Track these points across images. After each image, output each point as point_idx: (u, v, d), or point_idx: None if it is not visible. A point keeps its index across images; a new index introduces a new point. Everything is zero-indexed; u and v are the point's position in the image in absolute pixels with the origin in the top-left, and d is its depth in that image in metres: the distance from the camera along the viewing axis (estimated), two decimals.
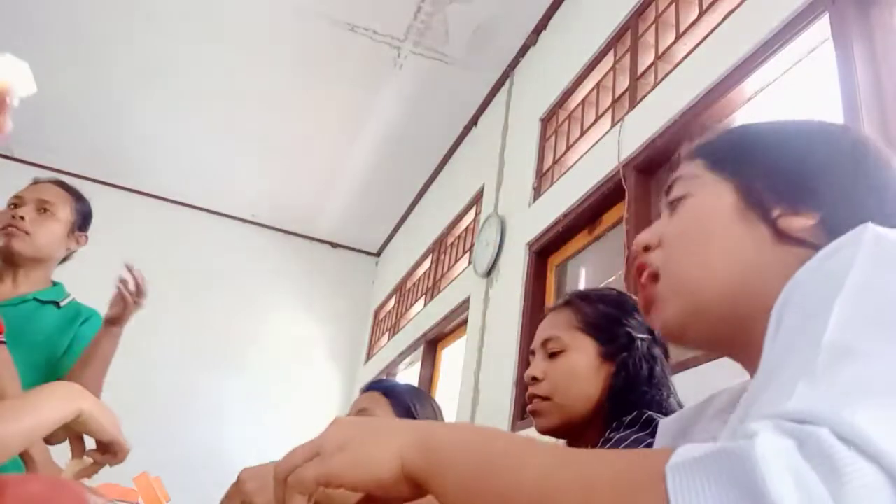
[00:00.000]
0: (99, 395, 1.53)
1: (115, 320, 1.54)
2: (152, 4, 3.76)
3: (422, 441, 0.48)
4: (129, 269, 1.56)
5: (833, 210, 0.56)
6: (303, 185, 5.32)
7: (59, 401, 0.86)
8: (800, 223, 0.56)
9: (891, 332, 0.35)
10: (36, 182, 1.66)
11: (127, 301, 1.55)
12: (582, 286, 2.77)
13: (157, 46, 4.06)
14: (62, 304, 1.62)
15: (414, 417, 1.33)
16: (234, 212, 5.79)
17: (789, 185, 0.58)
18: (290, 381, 5.51)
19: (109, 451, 0.94)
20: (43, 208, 1.58)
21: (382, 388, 1.37)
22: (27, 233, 1.54)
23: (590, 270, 2.76)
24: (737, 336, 0.58)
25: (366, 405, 1.32)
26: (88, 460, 0.94)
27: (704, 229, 0.60)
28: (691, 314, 0.59)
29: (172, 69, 4.22)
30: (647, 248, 0.65)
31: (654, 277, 0.63)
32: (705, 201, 0.62)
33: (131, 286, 1.54)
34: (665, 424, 0.70)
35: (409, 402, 1.33)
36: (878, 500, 0.27)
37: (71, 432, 0.91)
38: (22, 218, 1.54)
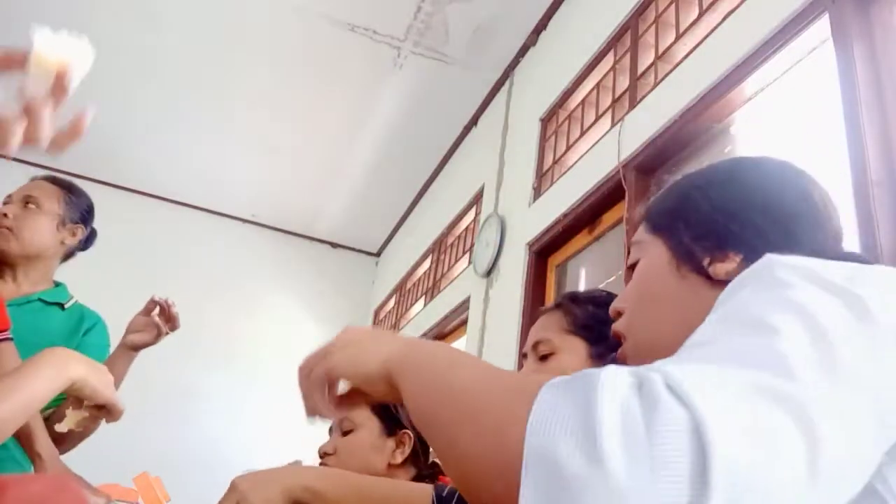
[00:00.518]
0: None
1: (138, 347, 1.53)
2: (152, 4, 3.76)
3: (403, 350, 0.57)
4: (163, 302, 1.55)
5: (752, 247, 0.63)
6: (303, 185, 5.32)
7: (51, 370, 0.88)
8: (727, 267, 0.63)
9: (726, 327, 0.43)
10: (32, 181, 1.66)
11: (160, 332, 1.53)
12: (582, 286, 2.77)
13: (157, 46, 4.06)
14: (66, 306, 1.62)
15: (393, 415, 1.35)
16: (234, 212, 5.79)
17: (711, 233, 0.66)
18: (290, 380, 5.46)
19: (104, 410, 0.97)
20: (27, 203, 1.57)
21: None
22: (9, 229, 1.53)
23: (590, 270, 2.76)
24: None
25: (345, 414, 1.34)
26: (85, 413, 0.96)
27: (651, 291, 0.68)
28: None
29: (172, 69, 4.22)
30: (619, 314, 0.72)
31: (622, 338, 0.71)
32: (649, 264, 0.69)
33: (167, 317, 1.54)
34: None
35: (392, 406, 1.36)
36: (676, 429, 0.34)
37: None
38: (5, 215, 1.53)
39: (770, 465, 0.34)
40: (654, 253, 0.69)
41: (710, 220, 0.66)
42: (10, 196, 1.58)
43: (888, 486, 0.42)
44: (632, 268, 0.72)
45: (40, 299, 1.57)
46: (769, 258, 0.50)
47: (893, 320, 0.43)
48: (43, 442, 1.31)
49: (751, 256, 0.60)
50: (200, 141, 4.89)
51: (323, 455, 1.35)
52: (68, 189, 1.65)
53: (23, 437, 1.30)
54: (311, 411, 0.67)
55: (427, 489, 0.99)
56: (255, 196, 5.54)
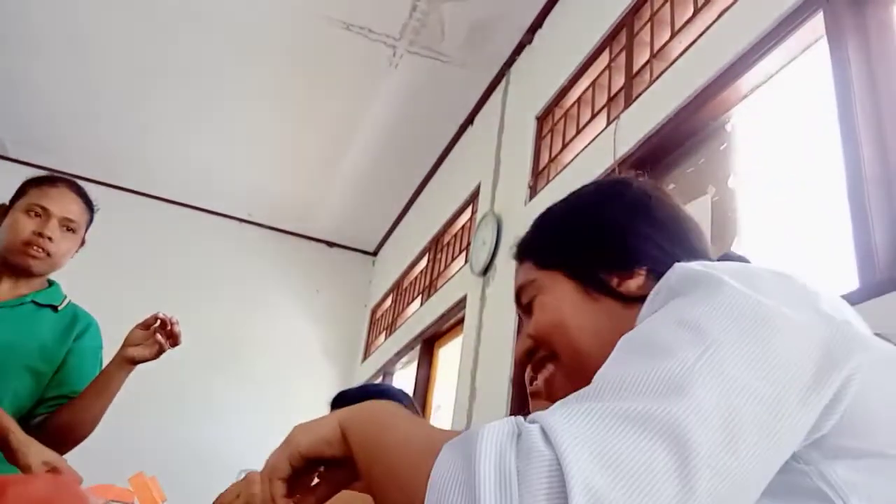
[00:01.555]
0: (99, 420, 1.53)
1: (137, 361, 1.52)
2: (150, 4, 3.75)
3: (354, 410, 0.61)
4: (167, 319, 1.54)
5: (653, 258, 0.65)
6: (299, 185, 5.31)
7: None
8: (635, 283, 0.65)
9: (620, 355, 0.46)
10: (54, 184, 1.58)
11: (162, 348, 1.52)
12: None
13: (154, 46, 4.05)
14: (60, 307, 1.60)
15: None
16: (231, 211, 5.78)
17: (610, 253, 0.67)
18: (286, 380, 5.51)
19: None
20: (67, 227, 1.54)
21: (347, 400, 1.40)
22: (49, 254, 1.51)
23: None
24: None
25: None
26: None
27: (561, 319, 0.67)
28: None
29: (169, 68, 4.21)
30: (530, 352, 0.71)
31: (552, 360, 0.69)
32: (551, 296, 0.69)
33: (168, 333, 1.52)
34: None
35: None
36: (541, 467, 0.37)
37: None
38: (50, 239, 1.50)
39: (633, 485, 0.36)
40: (555, 286, 0.69)
41: (604, 240, 0.67)
42: (45, 210, 1.51)
43: (830, 484, 0.43)
44: (527, 308, 0.72)
45: (34, 301, 1.55)
46: (678, 270, 0.51)
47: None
48: (12, 428, 1.27)
49: (655, 267, 0.63)
50: (196, 140, 4.88)
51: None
52: (91, 208, 1.63)
53: (8, 454, 1.27)
54: None
55: None
56: (251, 195, 5.53)
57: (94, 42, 4.05)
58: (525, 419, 0.42)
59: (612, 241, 0.67)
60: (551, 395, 0.69)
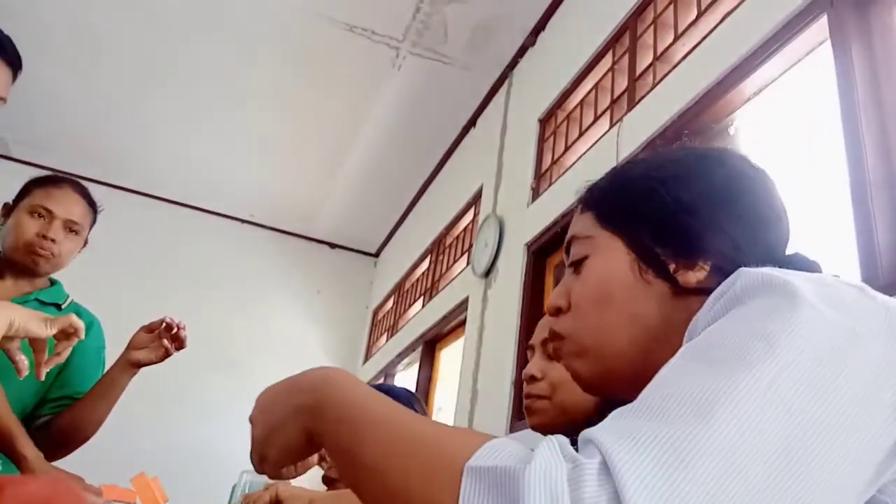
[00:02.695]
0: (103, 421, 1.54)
1: (142, 364, 1.53)
2: (152, 4, 3.76)
3: (319, 399, 0.55)
4: (174, 324, 1.54)
5: (722, 254, 0.59)
6: (301, 186, 5.32)
7: None
8: (696, 276, 0.59)
9: (688, 366, 0.42)
10: (58, 185, 1.58)
11: (168, 352, 1.53)
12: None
13: (156, 46, 4.05)
14: (63, 306, 1.61)
15: None
16: (233, 212, 5.78)
17: (678, 238, 0.60)
18: None
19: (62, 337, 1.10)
20: (70, 229, 1.55)
21: None
22: (54, 255, 1.51)
23: None
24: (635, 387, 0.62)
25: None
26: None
27: (607, 295, 0.61)
28: (602, 376, 0.62)
29: (171, 69, 4.21)
30: (559, 311, 0.66)
31: (560, 338, 0.66)
32: (603, 264, 0.63)
33: (173, 336, 1.53)
34: None
35: None
36: None
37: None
38: (53, 241, 1.50)
39: None
40: (610, 252, 0.63)
41: (676, 221, 0.61)
42: (49, 211, 1.51)
43: None
44: (575, 264, 0.66)
45: (37, 299, 1.56)
46: (748, 277, 0.48)
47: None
48: (24, 442, 1.31)
49: (721, 265, 0.58)
50: (198, 141, 4.89)
51: (328, 482, 1.35)
52: (94, 209, 1.63)
53: (3, 440, 1.30)
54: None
55: None
56: (254, 196, 5.53)
57: (97, 43, 4.05)
58: (577, 444, 0.38)
59: (684, 224, 0.60)
60: (557, 354, 0.67)
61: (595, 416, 1.06)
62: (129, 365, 1.52)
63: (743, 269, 0.49)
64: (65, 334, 1.11)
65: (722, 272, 0.55)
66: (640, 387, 0.60)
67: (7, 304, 1.03)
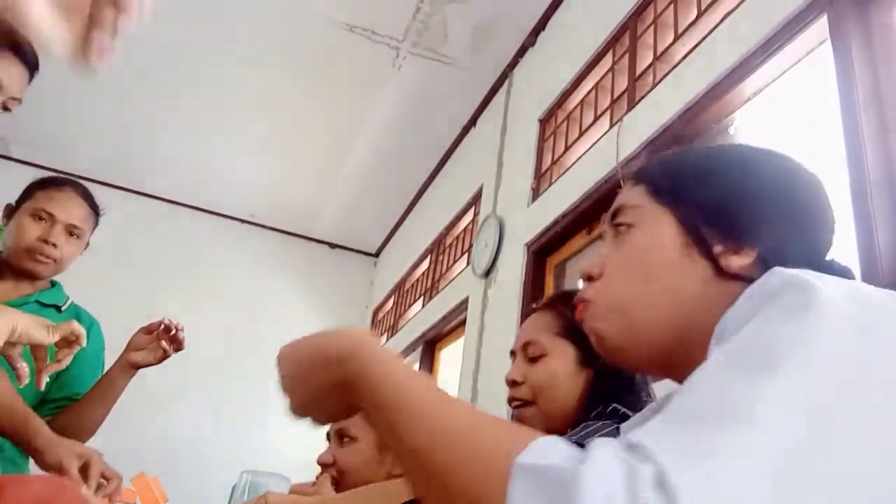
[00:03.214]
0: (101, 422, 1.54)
1: (141, 366, 1.53)
2: (154, 6, 3.75)
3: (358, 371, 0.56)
4: (172, 325, 1.55)
5: (769, 246, 0.59)
6: (301, 186, 5.32)
7: None
8: (739, 262, 0.59)
9: (728, 369, 0.41)
10: (60, 187, 1.57)
11: (166, 354, 1.54)
12: (580, 287, 2.77)
13: (156, 47, 4.05)
14: (63, 308, 1.60)
15: None
16: (233, 212, 5.78)
17: (728, 221, 0.61)
18: None
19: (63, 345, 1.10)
20: (72, 233, 1.54)
21: None
22: (55, 260, 1.51)
23: None
24: (677, 364, 0.61)
25: (342, 423, 1.36)
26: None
27: (649, 264, 0.62)
28: (630, 343, 0.62)
29: (171, 70, 4.22)
30: (590, 278, 0.67)
31: (588, 302, 0.66)
32: (650, 235, 0.63)
33: (172, 338, 1.54)
34: (627, 425, 0.71)
35: None
36: None
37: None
38: (54, 245, 1.50)
39: None
40: (658, 225, 0.63)
41: (728, 205, 0.61)
42: (50, 215, 1.51)
43: None
44: (619, 233, 0.66)
45: (37, 301, 1.55)
46: (782, 276, 0.48)
47: None
48: (41, 430, 1.29)
49: (765, 255, 0.58)
50: (198, 141, 4.89)
51: (322, 466, 1.35)
52: (97, 211, 1.63)
53: (14, 435, 1.29)
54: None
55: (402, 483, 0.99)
56: (254, 196, 5.53)
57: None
58: (630, 448, 0.37)
59: (738, 210, 0.60)
60: (581, 318, 0.66)
61: (571, 420, 1.07)
62: (128, 366, 1.52)
63: (776, 269, 0.49)
64: (66, 341, 1.10)
65: (765, 264, 0.55)
66: (661, 361, 0.62)
67: (10, 309, 1.02)
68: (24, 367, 1.07)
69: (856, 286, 0.47)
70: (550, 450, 0.39)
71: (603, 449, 0.37)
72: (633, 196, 0.67)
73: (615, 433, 0.91)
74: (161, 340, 1.53)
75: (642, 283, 0.61)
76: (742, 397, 0.38)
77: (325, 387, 0.59)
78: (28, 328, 1.01)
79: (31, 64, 1.23)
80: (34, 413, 1.32)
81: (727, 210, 0.61)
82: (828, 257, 0.63)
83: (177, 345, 1.55)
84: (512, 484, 0.37)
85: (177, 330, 1.54)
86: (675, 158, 0.69)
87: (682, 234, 0.61)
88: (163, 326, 1.54)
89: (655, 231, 0.63)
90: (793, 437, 0.36)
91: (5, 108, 1.20)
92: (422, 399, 0.49)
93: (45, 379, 1.10)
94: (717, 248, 0.60)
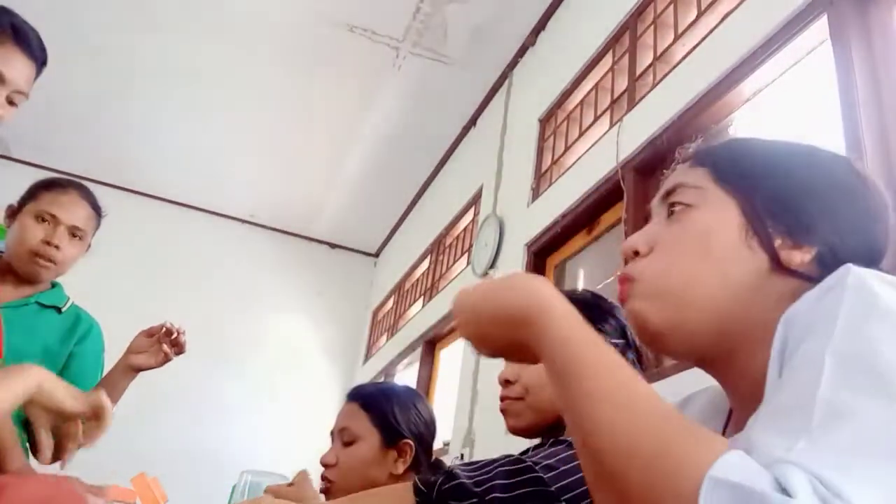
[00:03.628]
0: None
1: (142, 369, 1.54)
2: (152, 4, 3.76)
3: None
4: (174, 329, 1.54)
5: (829, 245, 0.58)
6: (301, 186, 5.32)
7: (16, 375, 0.88)
8: (799, 257, 0.58)
9: (876, 387, 0.40)
10: (64, 189, 1.56)
11: (168, 358, 1.54)
12: (580, 287, 2.77)
13: (157, 47, 4.06)
14: (63, 309, 1.60)
15: (393, 427, 1.37)
16: (233, 212, 5.78)
17: (792, 216, 0.59)
18: (288, 381, 5.51)
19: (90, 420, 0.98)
20: (74, 234, 1.54)
21: (360, 398, 1.42)
22: (56, 263, 1.51)
23: (588, 271, 2.76)
24: (718, 353, 0.60)
25: (345, 424, 1.38)
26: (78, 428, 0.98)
27: (706, 246, 0.60)
28: (674, 326, 0.60)
29: (171, 69, 4.22)
30: (636, 254, 0.64)
31: (631, 280, 0.63)
32: (711, 217, 0.61)
33: (173, 342, 1.54)
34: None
35: (388, 410, 1.37)
36: None
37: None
38: (57, 247, 1.49)
39: None
40: (718, 208, 0.61)
41: (795, 200, 0.60)
42: (54, 217, 1.50)
43: None
44: (674, 209, 0.64)
45: (38, 302, 1.55)
46: (859, 274, 0.47)
47: None
48: (16, 458, 1.26)
49: (825, 254, 0.58)
50: (199, 141, 4.89)
51: (325, 466, 1.36)
52: (100, 214, 1.62)
53: None
54: None
55: (406, 485, 1.00)
56: (254, 196, 5.54)
57: (97, 43, 4.05)
58: (820, 482, 0.36)
59: (803, 205, 0.59)
60: (623, 296, 0.64)
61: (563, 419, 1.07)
62: (129, 369, 1.52)
63: (852, 266, 0.49)
64: (94, 415, 1.00)
65: (823, 263, 0.55)
66: (700, 351, 0.60)
67: (39, 368, 0.95)
68: (49, 447, 0.97)
69: None
70: (745, 467, 0.38)
71: (800, 481, 0.36)
72: (694, 177, 0.64)
73: None
74: (162, 344, 1.53)
75: (697, 264, 0.59)
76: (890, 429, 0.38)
77: (508, 343, 0.60)
78: (54, 391, 0.94)
79: (37, 58, 1.20)
80: (15, 440, 1.29)
81: (794, 204, 0.60)
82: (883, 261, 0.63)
83: (178, 348, 1.55)
84: (706, 496, 0.37)
85: (178, 333, 1.54)
86: (743, 146, 0.67)
87: (745, 223, 0.60)
88: (164, 330, 1.54)
89: (717, 214, 0.61)
90: None
91: (11, 103, 1.16)
92: (604, 378, 0.47)
93: (69, 459, 1.00)
94: (778, 242, 0.59)
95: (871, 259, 0.59)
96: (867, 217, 0.61)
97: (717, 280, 0.58)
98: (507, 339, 0.60)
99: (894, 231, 0.62)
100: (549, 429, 1.08)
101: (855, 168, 0.64)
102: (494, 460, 0.91)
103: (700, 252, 0.60)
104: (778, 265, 0.58)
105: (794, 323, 0.49)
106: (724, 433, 0.62)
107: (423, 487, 0.90)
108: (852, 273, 0.48)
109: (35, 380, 0.90)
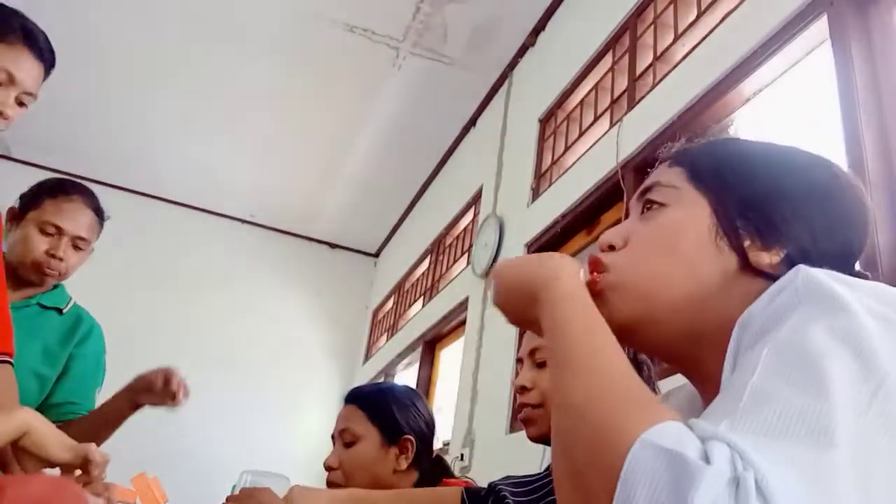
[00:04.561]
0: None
1: (144, 405, 1.56)
2: (152, 5, 3.76)
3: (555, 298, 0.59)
4: (181, 386, 1.58)
5: (800, 247, 0.59)
6: (301, 186, 5.32)
7: (5, 415, 0.86)
8: (768, 258, 0.59)
9: (801, 372, 0.42)
10: (69, 196, 1.54)
11: (175, 402, 1.58)
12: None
13: (156, 47, 4.06)
14: (65, 310, 1.60)
15: (392, 424, 1.37)
16: (233, 212, 5.79)
17: (763, 218, 0.60)
18: (288, 381, 5.51)
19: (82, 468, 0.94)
20: (77, 245, 1.53)
21: (358, 398, 1.43)
22: (60, 273, 1.51)
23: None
24: (685, 352, 0.61)
25: (344, 425, 1.39)
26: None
27: (675, 245, 0.61)
28: (640, 319, 0.61)
29: (171, 70, 4.22)
30: (611, 248, 0.66)
31: (603, 269, 0.65)
32: (681, 217, 0.62)
33: (180, 393, 1.58)
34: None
35: (386, 407, 1.39)
36: None
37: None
38: (61, 259, 1.49)
39: None
40: (692, 209, 0.62)
41: (767, 203, 0.60)
42: (58, 228, 1.49)
43: None
44: (649, 209, 0.65)
45: (39, 303, 1.55)
46: (809, 274, 0.49)
47: None
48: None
49: (795, 255, 0.58)
50: (199, 141, 4.89)
51: (328, 469, 1.37)
52: (102, 218, 1.61)
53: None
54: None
55: (456, 491, 1.00)
56: (254, 196, 5.54)
57: (98, 43, 4.05)
58: (734, 452, 0.38)
59: (775, 208, 0.60)
60: (594, 286, 0.64)
61: None
62: (132, 403, 1.55)
63: (802, 267, 0.50)
64: (82, 466, 0.96)
65: (793, 264, 0.55)
66: (666, 349, 0.63)
67: (28, 410, 0.93)
68: None
69: (881, 287, 0.49)
70: (678, 436, 0.40)
71: (721, 451, 0.38)
72: (670, 176, 0.66)
73: None
74: (169, 395, 1.57)
75: (666, 262, 0.61)
76: (819, 417, 0.40)
77: (524, 316, 0.63)
78: (44, 438, 0.90)
79: (45, 60, 1.22)
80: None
81: (766, 207, 0.60)
82: (857, 265, 0.64)
83: (183, 393, 1.61)
84: (634, 453, 0.39)
85: (181, 388, 1.58)
86: (720, 147, 0.68)
87: (715, 223, 0.61)
88: (170, 381, 1.56)
89: (689, 213, 0.62)
90: (861, 460, 0.39)
91: (20, 104, 1.17)
92: (575, 351, 0.51)
93: None
94: (747, 242, 0.60)
95: (843, 261, 0.60)
96: (842, 220, 0.61)
97: (684, 278, 0.59)
98: (521, 311, 0.63)
99: (874, 232, 0.63)
100: None
101: (834, 171, 0.64)
102: (540, 476, 0.90)
103: (669, 249, 0.61)
104: (746, 265, 0.59)
105: (748, 325, 0.51)
106: None
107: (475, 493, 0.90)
108: (802, 273, 0.49)
109: (23, 423, 0.89)
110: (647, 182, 0.68)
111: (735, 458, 0.37)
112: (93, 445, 0.96)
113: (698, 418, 0.43)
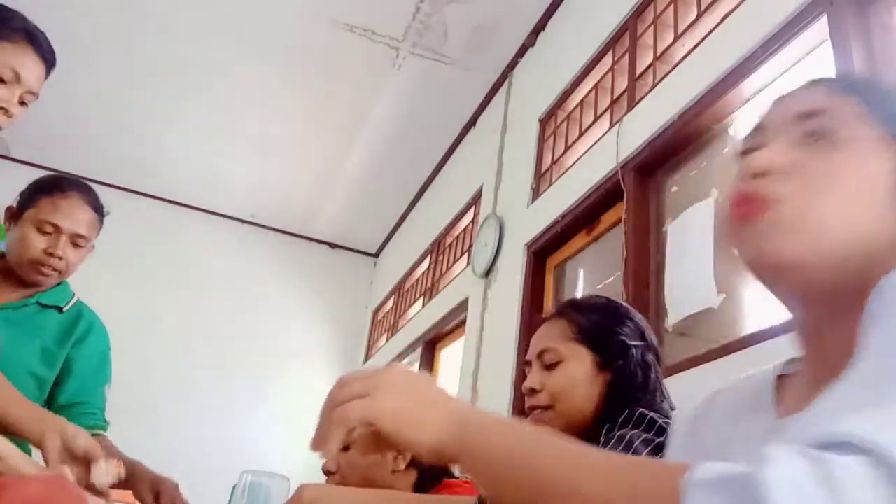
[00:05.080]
0: None
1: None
2: (152, 4, 3.76)
3: (459, 430, 0.52)
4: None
5: None
6: (301, 186, 5.32)
7: None
8: None
9: None
10: (65, 194, 1.52)
11: None
12: (580, 287, 2.77)
13: (156, 46, 4.05)
14: (65, 308, 1.58)
15: None
16: (233, 212, 5.78)
17: None
18: (288, 381, 5.51)
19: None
20: (76, 242, 1.51)
21: None
22: (59, 272, 1.49)
23: (588, 271, 2.76)
24: (829, 308, 0.55)
25: None
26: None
27: (858, 184, 0.54)
28: (808, 266, 0.54)
29: (171, 69, 4.22)
30: (764, 174, 0.57)
31: (764, 203, 0.56)
32: (864, 155, 0.55)
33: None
34: (676, 427, 0.70)
35: None
36: None
37: None
38: (60, 258, 1.47)
39: None
40: (874, 148, 0.55)
41: None
42: (56, 226, 1.47)
43: None
44: (816, 137, 0.56)
45: (38, 302, 1.54)
46: None
47: None
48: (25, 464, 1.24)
49: None
50: (199, 141, 4.89)
51: (327, 473, 1.36)
52: (102, 215, 1.59)
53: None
54: (320, 445, 0.59)
55: (470, 499, 1.00)
56: (254, 196, 5.53)
57: (97, 43, 4.05)
58: (820, 443, 0.34)
59: None
60: (748, 214, 0.56)
61: (590, 423, 1.07)
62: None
63: None
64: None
65: None
66: (818, 286, 0.54)
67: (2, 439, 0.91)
68: None
69: None
70: (715, 466, 0.36)
71: (778, 448, 0.34)
72: (842, 106, 0.57)
73: (658, 447, 0.92)
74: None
75: (851, 201, 0.54)
76: None
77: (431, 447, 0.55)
78: (19, 465, 0.87)
79: (48, 60, 1.24)
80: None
81: None
82: None
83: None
84: (687, 498, 0.35)
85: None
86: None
87: (885, 162, 0.54)
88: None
89: (871, 154, 0.55)
90: None
91: (22, 104, 1.19)
92: (562, 464, 0.45)
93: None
94: None
95: None
96: None
97: (868, 223, 0.53)
98: (430, 442, 0.54)
99: None
100: (576, 436, 1.08)
101: None
102: None
103: (852, 189, 0.54)
104: None
105: (890, 287, 0.45)
106: (774, 414, 0.59)
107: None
108: None
109: None
110: (810, 106, 0.59)
111: (807, 448, 0.34)
112: (66, 468, 0.93)
113: (824, 396, 0.39)
